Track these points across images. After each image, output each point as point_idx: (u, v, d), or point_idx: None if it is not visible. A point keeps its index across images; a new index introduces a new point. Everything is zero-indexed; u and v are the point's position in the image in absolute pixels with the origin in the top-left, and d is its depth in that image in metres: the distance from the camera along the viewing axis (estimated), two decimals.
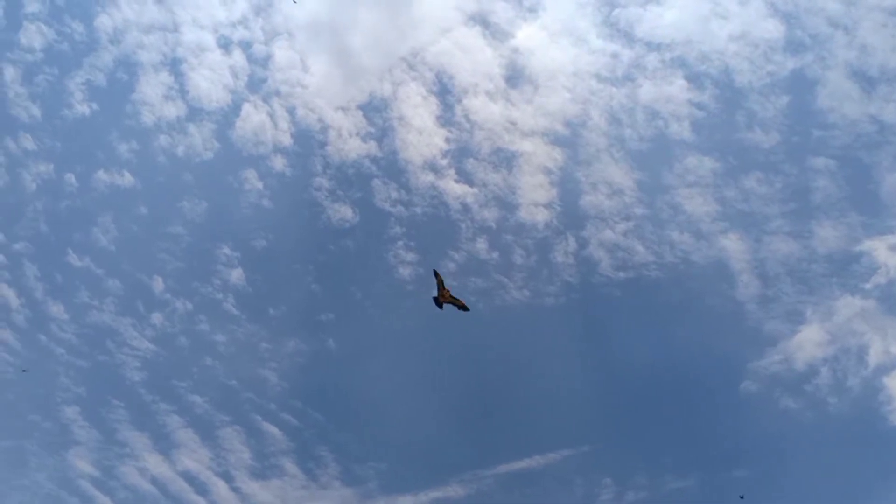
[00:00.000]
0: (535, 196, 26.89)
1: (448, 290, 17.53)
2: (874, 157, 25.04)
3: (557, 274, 26.77)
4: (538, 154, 26.90)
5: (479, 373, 26.85)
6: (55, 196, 24.39)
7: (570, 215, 26.96)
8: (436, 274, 17.61)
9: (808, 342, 24.74)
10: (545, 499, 25.05)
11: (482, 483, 25.38)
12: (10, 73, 24.10)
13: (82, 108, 24.64)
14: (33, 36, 24.30)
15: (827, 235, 25.11)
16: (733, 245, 26.04)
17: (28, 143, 24.08)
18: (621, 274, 26.37)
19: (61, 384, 24.02)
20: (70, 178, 24.47)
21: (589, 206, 26.89)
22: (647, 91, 26.67)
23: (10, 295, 23.74)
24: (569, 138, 26.98)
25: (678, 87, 26.51)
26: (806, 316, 24.98)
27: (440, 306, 17.61)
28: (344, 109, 26.60)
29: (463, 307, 17.71)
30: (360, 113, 26.72)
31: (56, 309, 24.12)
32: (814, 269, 25.26)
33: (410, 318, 26.85)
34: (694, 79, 26.44)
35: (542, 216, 26.86)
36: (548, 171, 26.96)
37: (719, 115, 26.43)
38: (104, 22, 24.80)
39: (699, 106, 26.42)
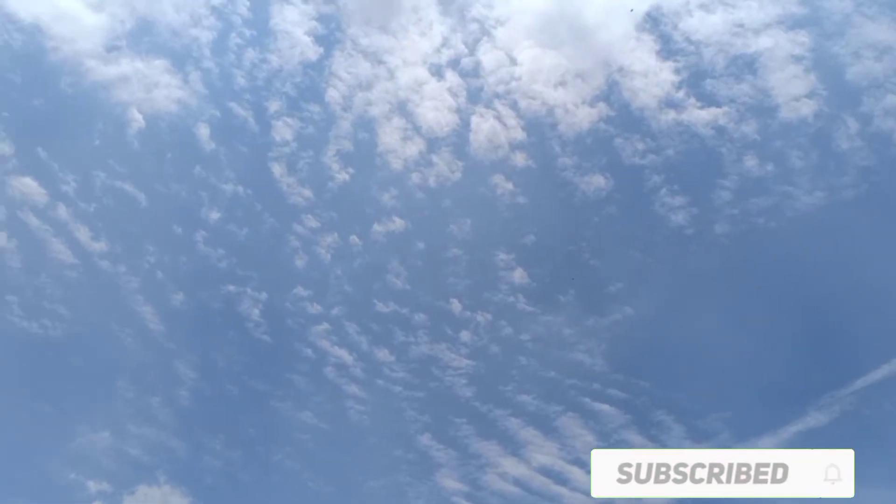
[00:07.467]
0: (792, 90, 24.60)
1: None
2: None
3: (847, 162, 24.16)
4: (780, 45, 24.59)
5: (794, 293, 24.89)
6: (347, 258, 27.13)
7: (839, 95, 24.27)
8: None
9: None
10: None
11: (844, 403, 23.48)
12: (277, 169, 27.36)
13: (342, 176, 27.26)
14: (283, 130, 27.41)
15: None
16: None
17: (312, 222, 27.10)
18: None
19: (409, 417, 26.42)
20: (353, 239, 27.14)
21: (858, 78, 24.03)
22: None
23: (343, 354, 26.67)
24: (808, 16, 24.44)
25: None
26: None
27: None
28: (562, 84, 26.54)
29: None
30: (579, 80, 26.47)
31: (382, 354, 26.67)
32: None
33: (699, 260, 25.84)
34: None
35: (807, 108, 24.47)
36: (797, 59, 24.54)
37: None
38: (332, 95, 27.34)
39: None
